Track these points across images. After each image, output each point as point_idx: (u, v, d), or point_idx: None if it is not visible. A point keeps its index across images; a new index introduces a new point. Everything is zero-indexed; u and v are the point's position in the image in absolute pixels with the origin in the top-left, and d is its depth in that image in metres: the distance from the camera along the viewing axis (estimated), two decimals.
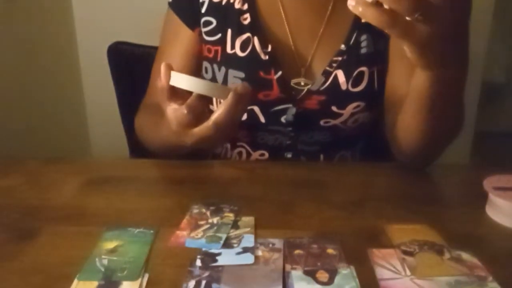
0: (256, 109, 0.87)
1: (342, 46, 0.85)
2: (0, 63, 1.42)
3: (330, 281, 0.52)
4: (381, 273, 0.55)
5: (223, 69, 0.87)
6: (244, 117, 0.86)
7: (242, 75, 0.85)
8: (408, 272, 0.55)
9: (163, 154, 0.86)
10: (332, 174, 0.80)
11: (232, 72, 0.86)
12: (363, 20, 0.75)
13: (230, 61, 0.86)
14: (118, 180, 0.78)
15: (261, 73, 0.85)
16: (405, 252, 0.58)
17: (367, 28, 0.83)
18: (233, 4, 0.86)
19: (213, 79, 0.89)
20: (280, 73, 0.85)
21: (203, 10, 0.87)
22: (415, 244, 0.59)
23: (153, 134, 0.85)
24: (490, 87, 2.49)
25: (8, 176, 0.79)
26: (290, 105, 0.87)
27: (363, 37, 0.85)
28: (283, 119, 0.88)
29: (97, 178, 0.78)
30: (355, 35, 0.85)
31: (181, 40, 0.91)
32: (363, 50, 0.85)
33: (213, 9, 0.87)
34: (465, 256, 0.57)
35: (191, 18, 0.89)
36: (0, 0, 1.43)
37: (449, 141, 0.81)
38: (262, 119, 0.88)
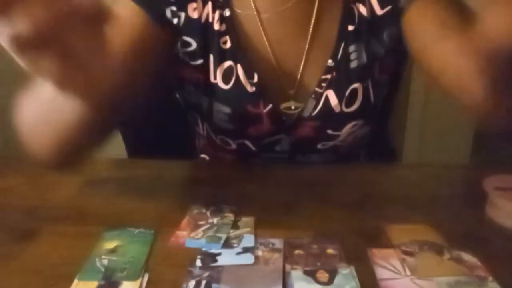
0: (247, 142, 0.82)
1: (330, 62, 0.77)
2: (0, 63, 1.41)
3: (330, 281, 0.52)
4: (381, 273, 0.55)
5: (207, 99, 0.78)
6: (234, 147, 0.83)
7: (228, 110, 0.77)
8: (408, 272, 0.55)
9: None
10: (332, 174, 0.80)
11: (217, 106, 0.77)
12: (350, 28, 0.75)
13: (214, 93, 0.77)
14: (118, 180, 0.78)
15: (249, 107, 0.77)
16: (405, 252, 0.58)
17: (355, 36, 0.77)
18: (212, 24, 0.76)
19: (199, 105, 0.81)
20: (270, 106, 0.77)
21: (180, 26, 0.75)
22: (415, 244, 0.59)
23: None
24: None
25: (8, 176, 0.79)
26: (283, 135, 0.81)
27: (352, 48, 0.77)
28: (277, 148, 0.84)
29: (97, 178, 0.78)
30: (342, 46, 0.77)
31: (131, 27, 0.71)
32: (353, 64, 0.77)
33: (191, 27, 0.75)
34: (465, 256, 0.57)
35: (157, 13, 0.73)
36: None
37: None
38: (254, 149, 0.84)
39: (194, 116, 0.87)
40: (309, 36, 0.77)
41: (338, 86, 0.77)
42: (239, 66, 0.76)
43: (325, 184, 0.75)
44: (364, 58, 0.78)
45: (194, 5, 0.75)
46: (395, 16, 0.76)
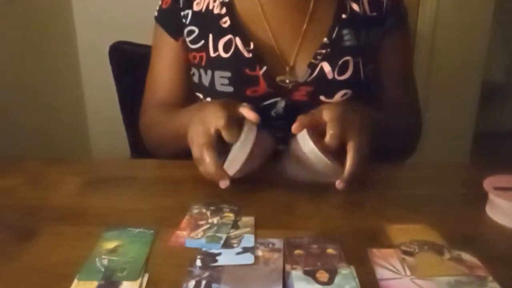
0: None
1: (325, 40, 0.88)
2: (0, 63, 1.42)
3: (330, 281, 0.52)
4: (381, 273, 0.55)
5: (209, 72, 0.89)
6: None
7: (228, 74, 0.87)
8: (408, 272, 0.55)
9: (164, 150, 0.92)
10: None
11: (218, 73, 0.88)
12: (343, 16, 0.89)
13: (216, 63, 0.89)
14: (118, 180, 0.78)
15: (247, 70, 0.87)
16: (405, 252, 0.58)
17: (349, 22, 0.89)
18: (212, 10, 0.90)
19: (200, 82, 0.91)
20: (265, 68, 0.87)
21: (187, 22, 0.91)
22: (415, 244, 0.59)
23: (165, 123, 0.90)
24: (490, 87, 2.49)
25: (8, 176, 0.79)
26: (278, 99, 0.88)
27: (345, 31, 0.89)
28: (273, 113, 0.89)
29: (97, 178, 0.78)
30: (336, 29, 0.88)
31: (167, 50, 0.95)
32: (347, 43, 0.89)
33: (195, 19, 0.91)
34: (465, 256, 0.57)
35: (175, 30, 0.93)
36: (0, 1, 1.43)
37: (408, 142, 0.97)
38: None
39: (199, 97, 0.94)
40: (307, 19, 0.89)
41: (331, 59, 0.88)
42: (237, 38, 0.88)
43: (325, 184, 0.75)
44: (356, 41, 0.89)
45: (197, 0, 0.91)
46: (379, 22, 0.92)
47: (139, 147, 1.12)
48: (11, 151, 1.33)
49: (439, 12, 1.97)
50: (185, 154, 0.78)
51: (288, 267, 0.55)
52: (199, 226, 0.63)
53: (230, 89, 0.88)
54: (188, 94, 0.96)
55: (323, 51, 0.88)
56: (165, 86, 0.96)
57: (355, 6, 0.90)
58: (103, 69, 1.24)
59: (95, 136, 2.02)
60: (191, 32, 0.91)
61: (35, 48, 1.62)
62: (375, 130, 0.76)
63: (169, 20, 0.93)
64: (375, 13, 0.91)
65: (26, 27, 1.57)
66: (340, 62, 0.87)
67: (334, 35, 0.88)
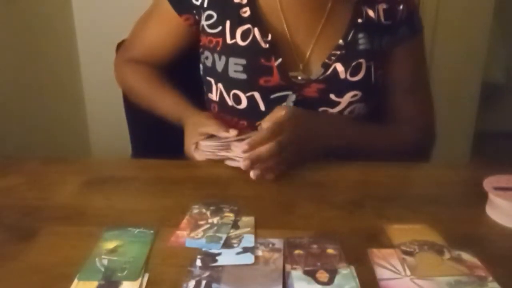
0: (257, 95, 0.89)
1: (340, 41, 0.90)
2: (0, 63, 1.42)
3: (330, 281, 0.52)
4: (381, 273, 0.55)
5: (223, 58, 0.90)
6: (244, 104, 0.91)
7: (243, 61, 0.89)
8: (408, 272, 0.55)
9: (137, 104, 1.04)
10: (332, 174, 0.80)
11: (232, 60, 0.89)
12: (359, 20, 0.90)
13: (231, 50, 0.90)
14: (118, 180, 0.78)
15: (262, 60, 0.89)
16: (405, 252, 0.58)
17: (364, 27, 0.91)
18: None
19: (213, 67, 0.93)
20: (280, 60, 0.88)
21: (205, 5, 0.92)
22: (415, 244, 0.59)
23: (144, 95, 1.02)
24: (490, 87, 2.49)
25: (8, 176, 0.79)
26: (289, 92, 0.90)
27: (360, 35, 0.90)
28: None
29: (97, 178, 0.78)
30: (352, 33, 0.90)
31: (166, 18, 0.97)
32: (361, 47, 0.90)
33: (214, 3, 0.92)
34: (465, 256, 0.57)
35: (180, 4, 0.94)
36: (0, 1, 1.43)
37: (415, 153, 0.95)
38: (262, 107, 0.90)
39: (209, 82, 0.96)
40: (324, 19, 0.91)
41: (345, 60, 0.90)
42: (256, 29, 0.89)
43: (325, 184, 0.75)
44: (370, 45, 0.91)
45: None
46: (392, 30, 0.93)
47: (142, 147, 1.12)
48: (11, 151, 1.33)
49: (439, 12, 1.97)
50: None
51: (288, 267, 0.55)
52: (199, 226, 0.63)
53: (243, 76, 0.89)
54: (169, 62, 1.02)
55: (338, 52, 0.90)
56: (151, 47, 1.02)
57: (371, 13, 0.91)
58: (103, 69, 1.24)
59: (95, 136, 2.01)
60: (210, 17, 0.92)
61: (35, 48, 1.62)
62: (345, 144, 0.86)
63: None
64: (389, 21, 0.92)
65: (26, 27, 1.56)
66: (354, 63, 0.89)
67: (349, 37, 0.90)
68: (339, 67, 0.89)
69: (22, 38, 1.54)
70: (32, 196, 0.73)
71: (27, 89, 1.57)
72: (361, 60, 0.89)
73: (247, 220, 0.65)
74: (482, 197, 0.69)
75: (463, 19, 1.98)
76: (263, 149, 0.75)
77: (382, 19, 0.92)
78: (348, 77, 0.89)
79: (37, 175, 0.80)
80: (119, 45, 1.19)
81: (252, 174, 0.75)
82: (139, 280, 0.53)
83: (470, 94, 2.11)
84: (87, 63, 1.91)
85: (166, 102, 0.98)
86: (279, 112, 0.82)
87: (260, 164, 0.75)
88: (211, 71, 0.93)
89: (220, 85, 0.92)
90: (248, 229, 0.63)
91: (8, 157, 0.92)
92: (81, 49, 1.90)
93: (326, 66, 0.90)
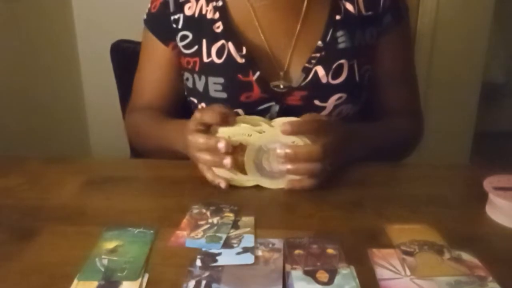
0: (241, 112, 0.87)
1: (319, 43, 0.87)
2: (0, 63, 1.42)
3: (330, 281, 0.52)
4: (381, 273, 0.55)
5: (203, 77, 0.88)
6: None
7: (221, 80, 0.87)
8: (408, 272, 0.55)
9: (149, 153, 0.94)
10: (332, 174, 0.80)
11: (212, 79, 0.87)
12: (337, 17, 0.88)
13: (209, 69, 0.88)
14: (118, 180, 0.78)
15: (240, 76, 0.86)
16: (405, 252, 0.58)
17: (343, 24, 0.87)
18: (205, 15, 0.88)
19: (194, 87, 0.91)
20: (258, 73, 0.86)
21: (179, 26, 0.90)
22: (415, 244, 0.59)
23: (150, 132, 0.91)
24: (490, 87, 2.49)
25: (8, 176, 0.79)
26: (272, 103, 0.88)
27: (339, 33, 0.87)
28: (267, 118, 0.86)
29: (97, 178, 0.78)
30: (331, 32, 0.87)
31: (156, 55, 0.94)
32: (341, 45, 0.87)
33: (188, 24, 0.89)
34: (465, 256, 0.57)
35: (164, 34, 0.92)
36: (0, 1, 1.43)
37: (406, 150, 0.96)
38: None
39: (193, 103, 0.94)
40: (300, 21, 0.88)
41: (326, 62, 0.87)
42: (230, 43, 0.86)
43: (325, 184, 0.75)
44: (350, 43, 0.88)
45: (189, 5, 0.89)
46: (375, 21, 0.89)
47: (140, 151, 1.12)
48: (11, 151, 1.33)
49: (439, 12, 1.97)
50: (170, 157, 0.83)
51: (288, 267, 0.55)
52: (199, 226, 0.63)
53: (224, 95, 0.87)
54: (176, 98, 0.97)
55: (317, 54, 0.86)
56: (152, 90, 0.96)
57: (350, 6, 0.88)
58: (103, 69, 1.24)
59: (95, 136, 2.02)
60: (184, 37, 0.90)
61: (35, 48, 1.62)
62: (365, 154, 0.81)
63: (158, 25, 0.92)
64: (370, 12, 0.89)
65: (26, 27, 1.57)
66: (334, 65, 0.86)
67: (328, 37, 0.87)
68: (320, 70, 0.86)
69: (22, 38, 1.54)
70: (32, 196, 0.73)
71: (27, 89, 1.57)
72: (342, 61, 0.86)
73: (247, 220, 0.65)
74: (482, 197, 0.68)
75: (463, 19, 1.98)
76: (305, 150, 0.70)
77: (363, 11, 0.88)
78: (330, 80, 0.86)
79: (37, 175, 0.80)
80: (113, 46, 1.19)
81: (287, 184, 0.72)
82: (139, 280, 0.53)
83: (470, 94, 2.11)
84: (87, 63, 1.91)
85: (167, 128, 0.88)
86: (317, 116, 0.77)
87: (299, 168, 0.71)
88: (193, 91, 0.91)
89: (203, 105, 0.90)
90: (248, 229, 0.63)
91: (8, 157, 0.92)
92: (80, 49, 1.90)
93: (306, 70, 0.87)
